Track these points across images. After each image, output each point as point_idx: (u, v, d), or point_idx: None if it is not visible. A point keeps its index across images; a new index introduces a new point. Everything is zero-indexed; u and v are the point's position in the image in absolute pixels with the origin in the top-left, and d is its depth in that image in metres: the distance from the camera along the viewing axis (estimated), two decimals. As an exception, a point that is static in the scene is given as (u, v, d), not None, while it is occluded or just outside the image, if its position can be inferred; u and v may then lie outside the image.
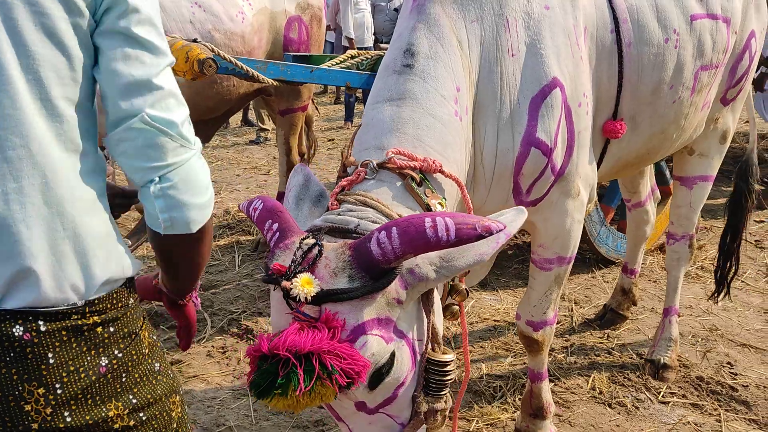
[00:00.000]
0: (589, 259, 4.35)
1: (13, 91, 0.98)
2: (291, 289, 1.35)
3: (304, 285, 1.35)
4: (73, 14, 1.02)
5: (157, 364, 1.22)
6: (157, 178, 1.07)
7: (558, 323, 3.63)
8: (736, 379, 3.07)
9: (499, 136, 1.95)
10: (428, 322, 1.52)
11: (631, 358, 3.27)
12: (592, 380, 3.04)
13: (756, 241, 4.90)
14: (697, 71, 2.41)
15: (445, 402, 1.57)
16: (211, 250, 1.22)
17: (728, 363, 3.22)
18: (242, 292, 3.92)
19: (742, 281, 4.24)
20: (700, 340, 3.45)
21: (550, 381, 2.97)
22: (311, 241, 1.42)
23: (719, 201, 5.98)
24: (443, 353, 1.55)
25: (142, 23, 1.07)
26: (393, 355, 1.45)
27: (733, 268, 3.26)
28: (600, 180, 2.58)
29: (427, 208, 1.64)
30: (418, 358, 1.53)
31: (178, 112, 1.08)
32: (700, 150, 2.91)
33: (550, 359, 3.20)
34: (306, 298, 1.34)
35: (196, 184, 1.09)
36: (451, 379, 1.57)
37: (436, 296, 1.59)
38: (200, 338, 3.36)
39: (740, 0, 2.57)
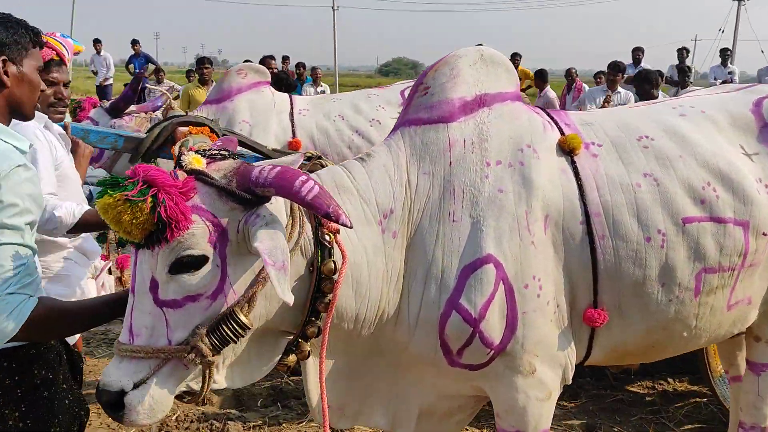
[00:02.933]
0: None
1: None
2: (184, 155, 1.77)
3: (195, 160, 1.76)
4: None
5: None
6: None
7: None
8: None
9: (426, 286, 2.10)
10: (253, 288, 1.77)
11: None
12: None
13: None
14: (698, 274, 2.25)
15: (214, 356, 1.74)
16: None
17: None
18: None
19: None
20: None
21: None
22: (226, 154, 1.87)
23: None
24: (247, 319, 1.75)
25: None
26: (204, 259, 1.72)
27: None
28: (602, 363, 2.50)
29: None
30: (225, 302, 1.75)
31: None
32: (767, 337, 2.55)
33: None
34: (186, 166, 1.74)
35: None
36: (237, 345, 1.77)
37: (274, 293, 1.77)
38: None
39: None
